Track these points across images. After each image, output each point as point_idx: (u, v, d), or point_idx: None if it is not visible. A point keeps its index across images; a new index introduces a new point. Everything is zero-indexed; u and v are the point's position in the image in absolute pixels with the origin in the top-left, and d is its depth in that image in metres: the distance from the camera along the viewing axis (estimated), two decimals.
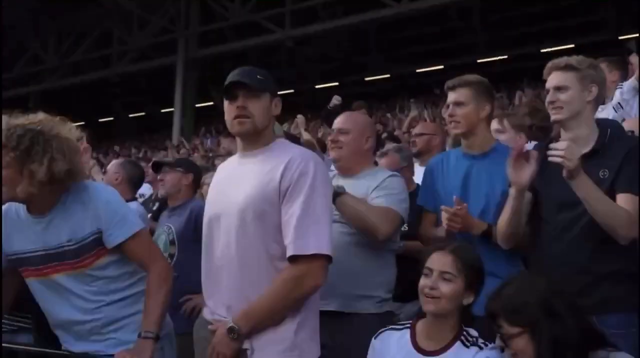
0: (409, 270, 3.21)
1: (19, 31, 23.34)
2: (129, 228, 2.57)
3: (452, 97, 3.20)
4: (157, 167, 4.35)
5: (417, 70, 25.35)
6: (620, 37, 16.82)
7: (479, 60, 21.81)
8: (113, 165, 4.65)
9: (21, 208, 2.66)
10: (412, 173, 4.21)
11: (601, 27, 20.14)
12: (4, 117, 2.57)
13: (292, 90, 25.79)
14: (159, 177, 4.37)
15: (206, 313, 2.47)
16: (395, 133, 9.37)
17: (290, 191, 2.28)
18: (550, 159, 2.45)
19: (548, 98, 2.74)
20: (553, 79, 2.75)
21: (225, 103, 2.45)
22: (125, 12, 21.08)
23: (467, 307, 2.40)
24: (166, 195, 4.38)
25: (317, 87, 26.57)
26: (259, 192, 2.31)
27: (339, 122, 3.30)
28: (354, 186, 3.07)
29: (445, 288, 2.36)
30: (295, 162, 2.31)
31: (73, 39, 22.62)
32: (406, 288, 3.22)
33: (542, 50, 21.23)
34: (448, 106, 3.23)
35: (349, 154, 3.16)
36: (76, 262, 2.59)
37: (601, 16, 20.06)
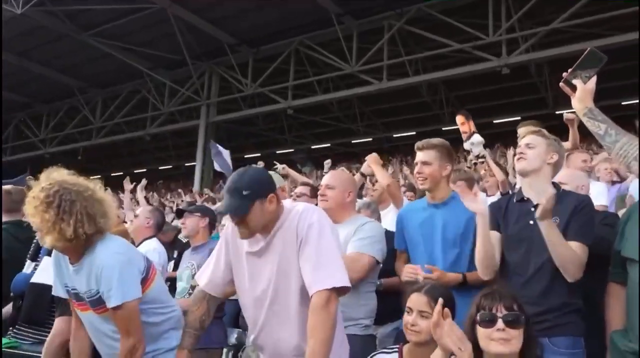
0: (385, 300, 3.24)
1: (73, 98, 23.57)
2: (115, 299, 2.41)
3: (419, 156, 3.20)
4: (180, 213, 4.34)
5: (394, 135, 25.57)
6: (557, 112, 17.04)
7: (443, 128, 21.97)
8: (145, 211, 4.60)
9: None
10: (380, 221, 4.19)
11: (541, 103, 20.42)
12: (50, 171, 2.51)
13: (292, 150, 25.96)
14: (180, 222, 4.34)
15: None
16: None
17: (304, 241, 2.24)
18: (538, 200, 2.44)
19: (518, 150, 2.80)
20: (526, 139, 2.80)
21: None
22: (159, 84, 21.34)
23: None
24: (187, 236, 4.34)
25: (312, 147, 26.74)
26: (288, 253, 2.30)
27: (326, 179, 3.32)
28: (339, 233, 3.07)
29: (423, 324, 2.38)
30: (302, 216, 2.29)
31: (116, 104, 22.75)
32: (381, 314, 3.25)
33: (494, 121, 21.49)
34: (417, 164, 3.25)
35: (333, 206, 3.14)
36: (95, 309, 2.51)
37: (542, 95, 20.35)
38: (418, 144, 3.24)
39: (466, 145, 6.95)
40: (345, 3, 16.01)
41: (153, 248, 4.13)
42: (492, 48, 15.01)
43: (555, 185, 2.76)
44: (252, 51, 19.16)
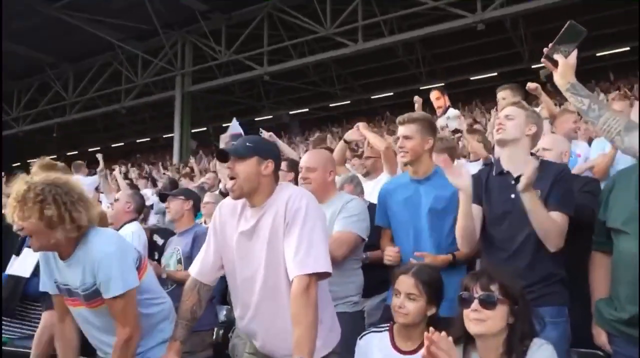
0: (371, 273, 3.24)
1: (44, 74, 23.04)
2: (116, 288, 2.40)
3: (401, 131, 3.17)
4: (163, 197, 4.30)
5: (372, 97, 25.46)
6: (533, 66, 17.05)
7: (421, 88, 21.91)
8: (125, 195, 4.55)
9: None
10: (363, 194, 4.16)
11: (517, 58, 20.39)
12: (24, 176, 2.43)
13: (270, 116, 25.79)
14: (165, 205, 4.31)
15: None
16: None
17: (290, 225, 2.25)
18: (520, 172, 2.44)
19: (497, 121, 2.80)
20: (506, 110, 2.79)
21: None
22: (132, 55, 20.93)
23: (432, 315, 2.39)
24: (172, 219, 4.32)
25: (290, 113, 26.57)
26: (276, 234, 2.30)
27: (305, 160, 3.26)
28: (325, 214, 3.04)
29: (410, 306, 2.37)
30: (291, 199, 2.29)
31: (88, 78, 22.29)
32: (368, 287, 3.26)
33: (471, 78, 21.48)
34: (398, 138, 3.21)
35: (317, 188, 3.09)
36: (88, 303, 2.48)
37: (517, 50, 20.32)
38: (399, 118, 3.20)
39: (441, 121, 6.93)
40: None
41: (132, 232, 4.13)
42: (466, 4, 14.87)
43: (533, 156, 2.77)
44: (224, 17, 18.78)
